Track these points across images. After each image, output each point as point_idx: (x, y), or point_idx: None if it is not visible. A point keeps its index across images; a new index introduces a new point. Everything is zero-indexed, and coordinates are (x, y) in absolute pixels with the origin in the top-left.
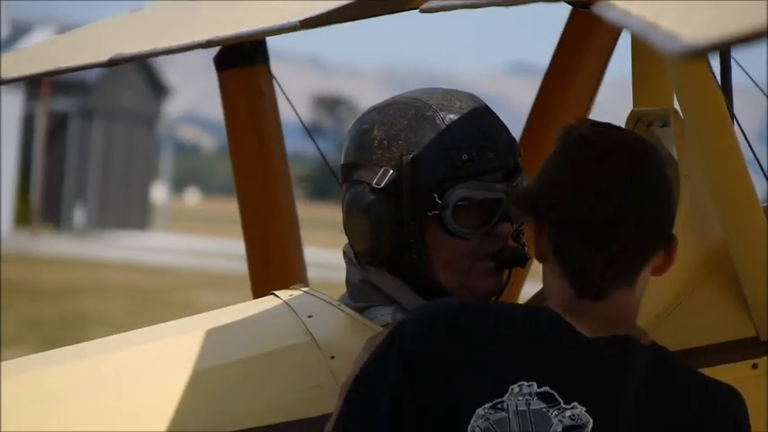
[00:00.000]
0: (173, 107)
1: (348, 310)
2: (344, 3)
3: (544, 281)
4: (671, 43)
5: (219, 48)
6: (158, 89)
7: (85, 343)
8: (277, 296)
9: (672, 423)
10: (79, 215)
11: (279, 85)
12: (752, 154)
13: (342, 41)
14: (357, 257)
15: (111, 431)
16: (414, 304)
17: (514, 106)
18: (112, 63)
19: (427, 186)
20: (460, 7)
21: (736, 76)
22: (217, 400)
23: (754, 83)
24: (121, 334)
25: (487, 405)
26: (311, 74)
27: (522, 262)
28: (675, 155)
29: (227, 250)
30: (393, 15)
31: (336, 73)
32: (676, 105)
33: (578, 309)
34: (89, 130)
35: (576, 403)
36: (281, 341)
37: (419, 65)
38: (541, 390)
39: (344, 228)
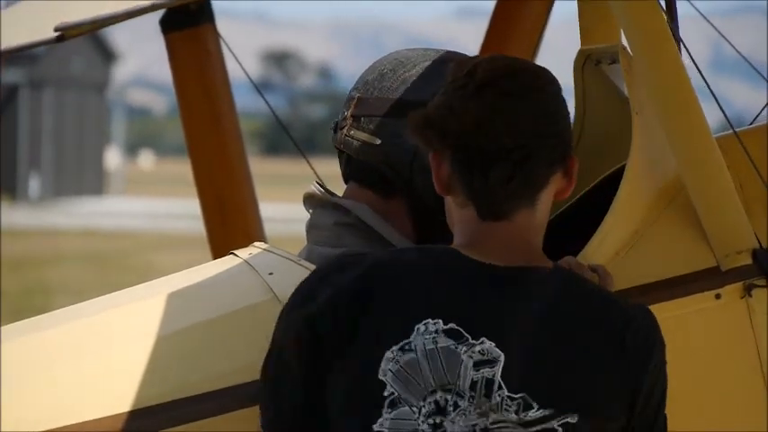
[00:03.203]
0: (122, 72)
1: (308, 264)
2: None
3: (448, 215)
4: None
5: (165, 10)
6: (107, 54)
7: (49, 313)
8: (236, 255)
9: (586, 348)
10: (34, 185)
11: (226, 44)
12: (703, 82)
13: None
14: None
15: (81, 397)
16: (402, 243)
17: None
18: (61, 39)
19: None
20: None
21: (681, 6)
22: (184, 363)
23: (697, 10)
24: (86, 302)
25: (395, 347)
26: (258, 29)
27: None
28: (625, 91)
29: (184, 211)
30: None
31: (283, 27)
32: (624, 41)
33: (481, 235)
34: (40, 100)
35: (484, 338)
36: (244, 300)
37: (366, 14)
38: (447, 327)
39: (410, 165)
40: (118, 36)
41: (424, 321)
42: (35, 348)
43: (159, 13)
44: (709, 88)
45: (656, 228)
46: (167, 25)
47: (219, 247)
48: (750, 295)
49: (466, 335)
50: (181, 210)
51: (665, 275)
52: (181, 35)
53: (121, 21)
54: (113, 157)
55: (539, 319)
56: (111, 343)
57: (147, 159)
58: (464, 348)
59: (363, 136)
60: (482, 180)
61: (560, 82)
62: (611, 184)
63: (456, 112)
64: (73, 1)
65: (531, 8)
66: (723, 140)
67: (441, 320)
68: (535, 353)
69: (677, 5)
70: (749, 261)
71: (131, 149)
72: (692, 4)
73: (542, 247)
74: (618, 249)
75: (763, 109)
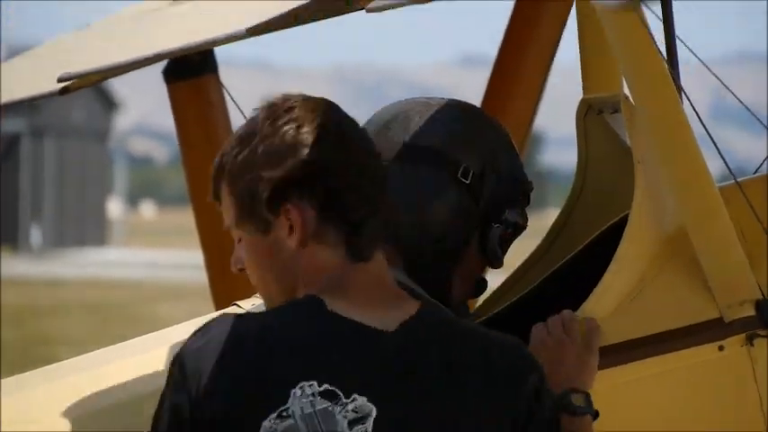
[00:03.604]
0: (123, 120)
1: None
2: (290, 8)
3: (305, 269)
4: None
5: (168, 61)
6: (108, 103)
7: (54, 365)
8: (239, 306)
9: (458, 387)
10: (36, 234)
11: (229, 94)
12: (704, 131)
13: (288, 43)
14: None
15: None
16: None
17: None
18: (65, 92)
19: (501, 199)
20: (407, 4)
21: (682, 53)
22: None
23: (701, 61)
24: (89, 354)
25: (273, 415)
26: (260, 77)
27: (483, 290)
28: (628, 140)
29: (186, 261)
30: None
31: (285, 75)
32: (626, 91)
33: (348, 281)
34: (41, 148)
35: (355, 395)
36: None
37: (367, 62)
38: (322, 388)
39: (386, 206)
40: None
41: (300, 385)
42: (38, 403)
43: (161, 63)
44: (711, 137)
45: (659, 278)
46: (170, 75)
47: (222, 297)
48: (752, 345)
49: (340, 394)
50: (182, 260)
51: (668, 327)
52: (184, 85)
53: (125, 72)
54: (115, 207)
55: (408, 365)
56: (116, 395)
57: (148, 209)
58: (339, 409)
59: None
60: (356, 218)
61: (562, 131)
62: (614, 235)
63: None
64: (76, 52)
65: (535, 55)
66: (725, 190)
67: (315, 382)
68: (405, 400)
69: (677, 53)
70: (752, 312)
71: (133, 199)
72: (692, 52)
73: (546, 296)
74: (621, 300)
75: (765, 160)
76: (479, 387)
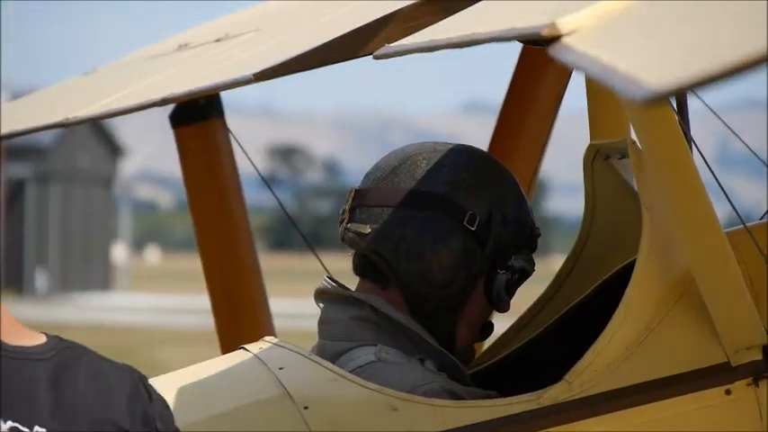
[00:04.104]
0: (128, 166)
1: (318, 359)
2: (297, 53)
3: None
4: (632, 89)
5: (174, 105)
6: (113, 149)
7: None
8: (247, 350)
9: (85, 416)
10: (41, 280)
11: (235, 138)
12: (712, 177)
13: (293, 88)
14: (408, 291)
15: None
16: (434, 351)
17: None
18: (65, 125)
19: (508, 245)
20: (415, 51)
21: (691, 101)
22: None
23: (709, 108)
24: None
25: None
26: (264, 123)
27: (489, 334)
28: (635, 185)
29: (191, 306)
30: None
31: (290, 121)
32: (633, 136)
33: None
34: (46, 194)
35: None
36: (254, 395)
37: (372, 109)
38: (8, 426)
39: (395, 251)
40: (123, 130)
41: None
42: None
43: (165, 108)
44: (719, 183)
45: (666, 323)
46: (177, 120)
47: (229, 343)
48: (757, 385)
49: (23, 429)
50: (187, 305)
51: (676, 371)
52: (190, 130)
53: (132, 112)
54: (120, 252)
55: (38, 398)
56: None
57: (153, 254)
58: None
59: (356, 227)
60: None
61: (570, 176)
62: (621, 280)
63: None
64: (82, 94)
65: (541, 102)
66: (733, 235)
67: (2, 420)
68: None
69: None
70: (759, 357)
71: (138, 244)
72: (700, 99)
73: (554, 340)
74: (628, 344)
75: None
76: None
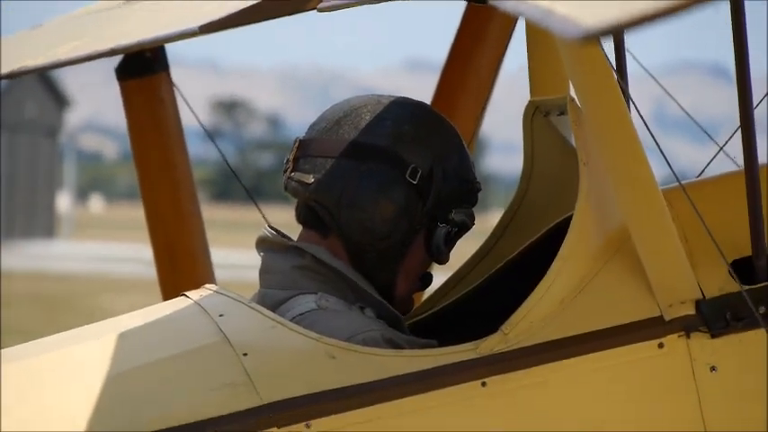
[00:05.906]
0: (74, 117)
1: (258, 307)
2: (242, 6)
3: None
4: (568, 28)
5: (121, 58)
6: (59, 100)
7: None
8: (188, 297)
9: None
10: None
11: (180, 93)
12: (649, 136)
13: (237, 43)
14: (349, 240)
15: None
16: (373, 300)
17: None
18: (12, 75)
19: (448, 199)
20: (357, 4)
21: (629, 64)
22: (132, 403)
23: (644, 69)
24: (33, 341)
25: None
26: (208, 77)
27: (428, 284)
28: (573, 142)
29: (134, 255)
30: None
31: (233, 75)
32: (573, 93)
33: None
34: None
35: None
36: (194, 341)
37: (315, 65)
38: None
39: (338, 201)
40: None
41: None
42: None
43: (111, 61)
44: (656, 142)
45: (602, 277)
46: (123, 72)
47: (170, 292)
48: (689, 338)
49: None
50: (130, 254)
51: (610, 324)
52: (136, 83)
53: (80, 63)
54: (64, 201)
55: None
56: (60, 383)
57: (97, 203)
58: None
59: (299, 176)
60: None
61: (509, 134)
62: (558, 234)
63: None
64: (29, 47)
65: (483, 60)
66: (669, 193)
67: None
68: None
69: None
70: (692, 311)
71: (82, 193)
72: (637, 61)
73: (490, 292)
74: (563, 297)
75: (708, 164)
76: None
